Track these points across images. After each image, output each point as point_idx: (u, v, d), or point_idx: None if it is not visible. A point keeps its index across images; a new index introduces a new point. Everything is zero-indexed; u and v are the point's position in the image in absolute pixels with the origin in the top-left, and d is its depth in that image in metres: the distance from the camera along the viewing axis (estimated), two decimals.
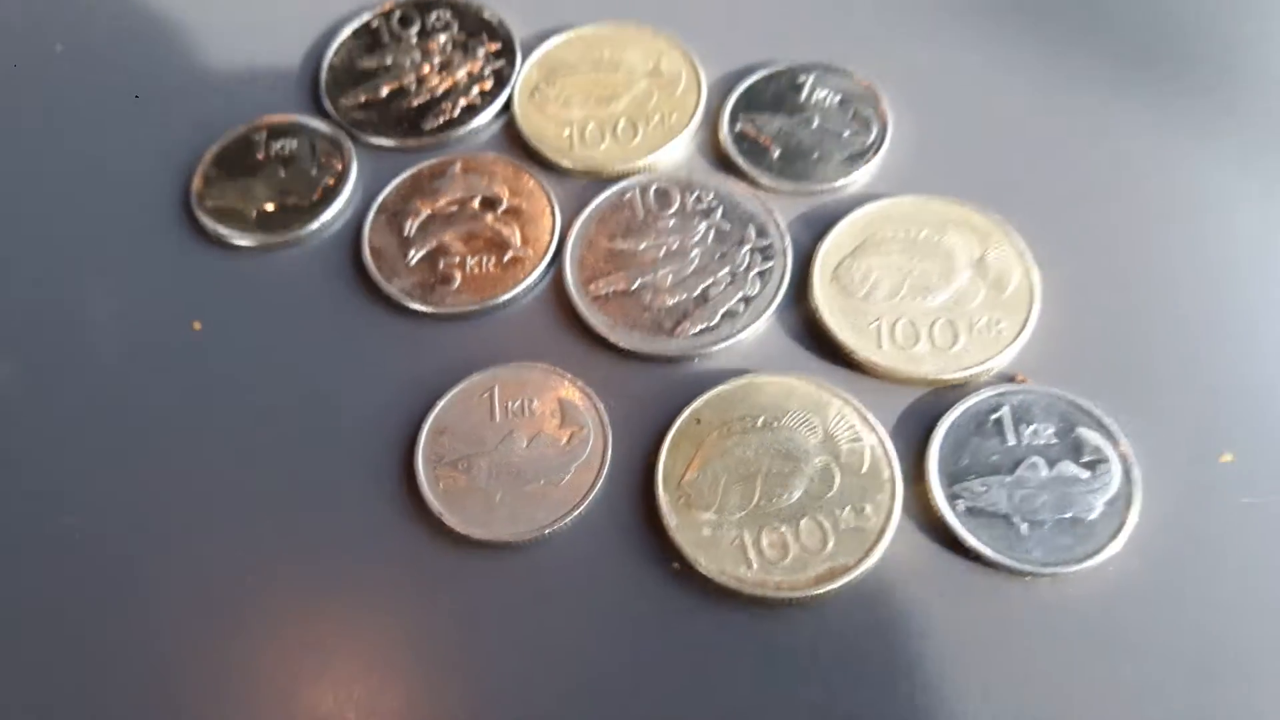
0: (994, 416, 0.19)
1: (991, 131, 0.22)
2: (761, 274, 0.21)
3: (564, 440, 0.19)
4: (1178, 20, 0.24)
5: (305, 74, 0.25)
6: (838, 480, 0.18)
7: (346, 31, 0.25)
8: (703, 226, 0.22)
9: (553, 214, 0.22)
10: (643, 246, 0.21)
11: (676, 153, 0.23)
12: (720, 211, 0.22)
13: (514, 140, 0.23)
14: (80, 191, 0.23)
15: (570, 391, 0.20)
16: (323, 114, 0.24)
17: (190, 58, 0.25)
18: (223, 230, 0.22)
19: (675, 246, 0.21)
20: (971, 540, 0.18)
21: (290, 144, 0.24)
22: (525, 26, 0.25)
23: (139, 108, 0.25)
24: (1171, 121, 0.22)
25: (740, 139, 0.22)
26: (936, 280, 0.20)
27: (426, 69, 0.24)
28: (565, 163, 0.23)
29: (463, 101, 0.24)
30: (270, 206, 0.22)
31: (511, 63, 0.24)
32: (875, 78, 0.23)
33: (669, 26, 0.24)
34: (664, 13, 0.24)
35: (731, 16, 0.25)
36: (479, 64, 0.24)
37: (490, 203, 0.22)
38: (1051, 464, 0.18)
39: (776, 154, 0.22)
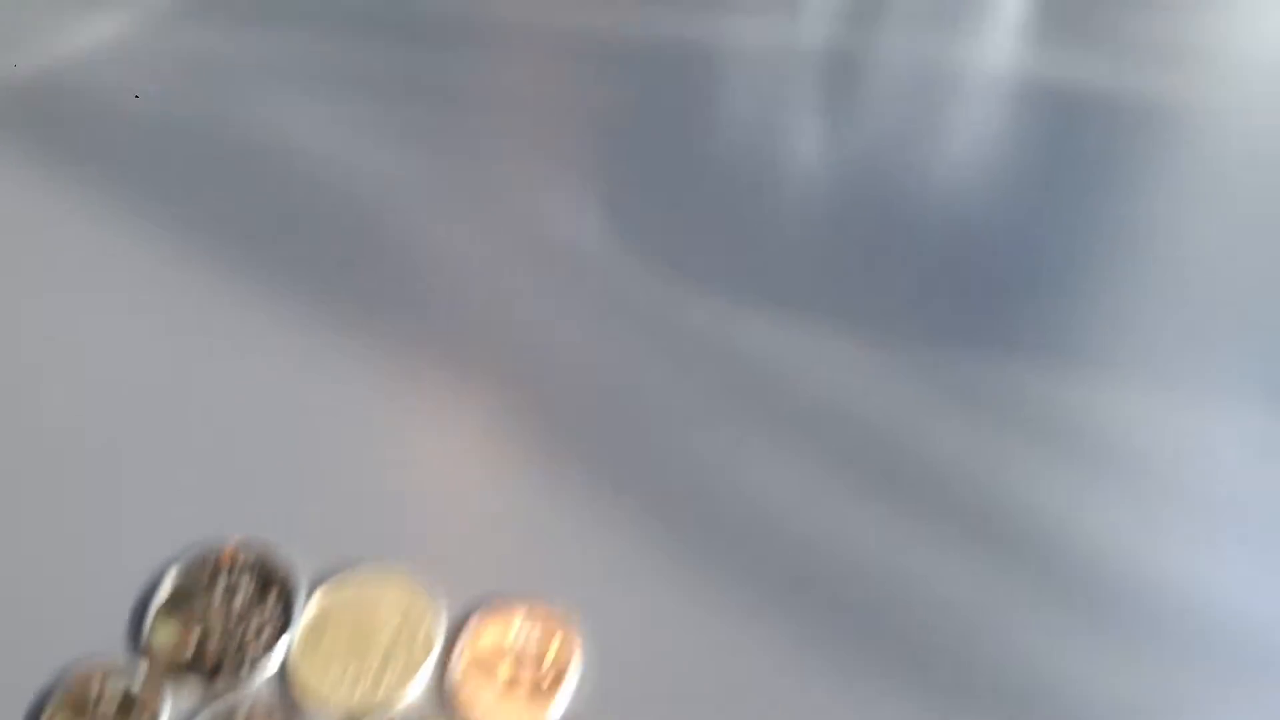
0: None
1: (663, 673, 0.30)
2: None
3: None
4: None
5: (135, 618, 0.31)
6: None
7: (168, 580, 0.32)
8: None
9: None
10: None
11: (416, 690, 0.30)
12: None
13: (290, 684, 0.30)
14: None
15: None
16: (142, 658, 0.30)
17: (25, 607, 0.32)
18: None
19: None
20: None
21: (116, 692, 0.30)
22: (309, 565, 0.32)
23: None
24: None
25: (467, 672, 0.29)
26: None
27: (227, 619, 0.31)
28: (329, 706, 0.29)
29: (251, 651, 0.30)
30: None
31: (291, 612, 0.31)
32: (572, 609, 0.31)
33: (423, 567, 0.31)
34: (423, 554, 0.32)
35: (467, 551, 0.32)
36: (267, 611, 0.31)
37: None
38: None
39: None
